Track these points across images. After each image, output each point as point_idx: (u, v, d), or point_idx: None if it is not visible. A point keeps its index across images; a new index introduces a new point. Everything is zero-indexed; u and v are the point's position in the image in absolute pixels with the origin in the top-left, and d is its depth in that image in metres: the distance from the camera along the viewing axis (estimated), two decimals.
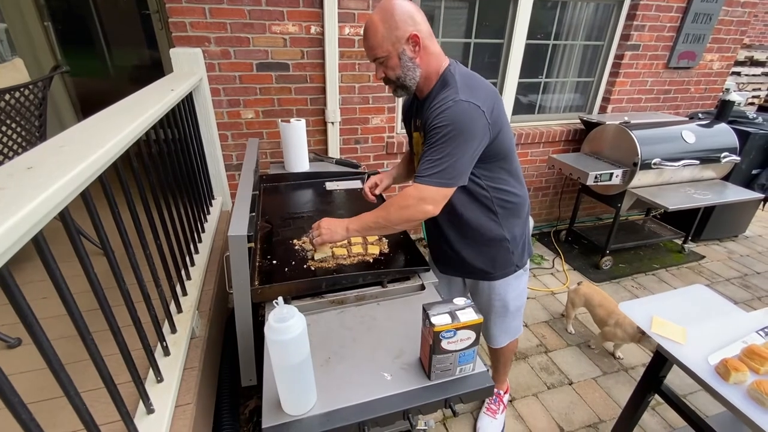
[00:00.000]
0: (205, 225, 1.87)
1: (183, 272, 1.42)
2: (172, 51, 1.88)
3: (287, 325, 0.69)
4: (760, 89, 5.56)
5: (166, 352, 1.14)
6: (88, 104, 3.37)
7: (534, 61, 2.86)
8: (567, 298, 2.25)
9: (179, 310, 1.30)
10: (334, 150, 2.50)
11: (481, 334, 1.53)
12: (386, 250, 1.32)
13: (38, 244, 0.64)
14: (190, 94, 1.84)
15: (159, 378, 1.06)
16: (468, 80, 1.10)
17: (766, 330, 1.12)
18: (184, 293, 1.38)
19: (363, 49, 2.30)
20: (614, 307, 1.99)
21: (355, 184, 1.88)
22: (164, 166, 1.35)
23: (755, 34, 6.25)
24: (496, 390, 1.74)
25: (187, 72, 1.88)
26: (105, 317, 0.85)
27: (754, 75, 5.38)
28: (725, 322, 1.15)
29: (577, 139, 3.04)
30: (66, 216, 0.72)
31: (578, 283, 2.21)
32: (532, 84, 2.97)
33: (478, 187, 1.19)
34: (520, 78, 2.83)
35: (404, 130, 2.72)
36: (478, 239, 1.28)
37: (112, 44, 4.02)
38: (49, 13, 3.25)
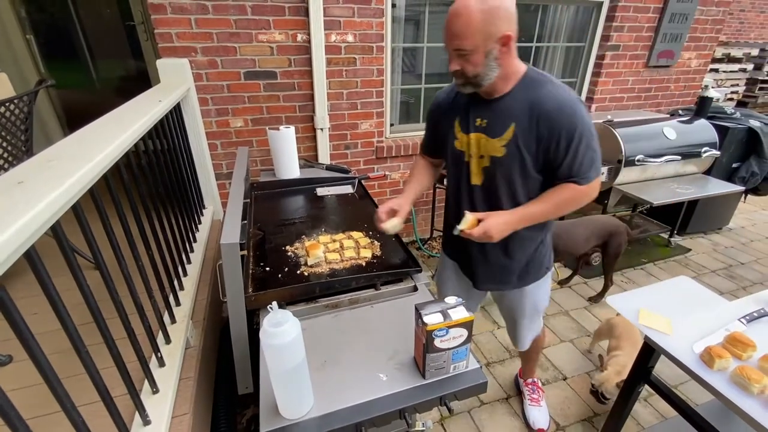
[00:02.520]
0: (197, 235, 1.86)
1: (176, 283, 1.42)
2: (158, 62, 1.88)
3: (282, 329, 0.70)
4: (738, 85, 5.72)
5: (161, 363, 1.14)
6: (74, 117, 3.35)
7: None
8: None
9: (173, 320, 1.30)
10: (324, 156, 2.52)
11: (511, 338, 1.58)
12: (378, 253, 1.33)
13: (31, 259, 0.65)
14: (178, 104, 1.85)
15: (155, 389, 1.06)
16: (556, 80, 1.10)
17: (747, 317, 1.16)
18: (178, 304, 1.38)
19: (350, 56, 2.34)
20: (626, 346, 1.74)
21: (346, 189, 1.90)
22: (154, 178, 1.35)
23: (731, 32, 6.44)
24: (530, 380, 1.80)
25: (175, 82, 1.89)
26: (99, 330, 0.85)
27: (731, 71, 5.54)
28: (709, 312, 1.19)
29: None
30: (58, 230, 0.72)
31: (616, 314, 2.00)
32: None
33: (546, 188, 1.16)
34: None
35: (398, 134, 2.79)
36: (529, 243, 1.26)
37: (97, 56, 3.98)
38: (32, 27, 3.22)
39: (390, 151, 2.67)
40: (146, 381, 1.06)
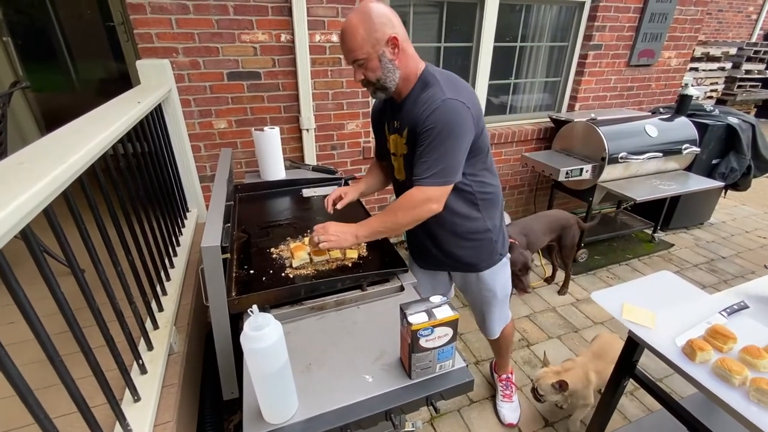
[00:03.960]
0: (180, 238, 1.83)
1: (158, 288, 1.39)
2: (138, 63, 1.85)
3: (263, 333, 0.69)
4: (717, 83, 5.85)
5: (143, 370, 1.12)
6: (52, 120, 3.26)
7: (503, 63, 2.94)
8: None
9: (155, 326, 1.28)
10: (310, 157, 2.50)
11: (480, 328, 1.62)
12: (364, 254, 1.33)
13: None
14: (159, 105, 1.81)
15: (136, 397, 1.04)
16: (449, 79, 1.15)
17: (728, 310, 1.18)
18: (160, 309, 1.35)
19: (335, 56, 2.33)
20: (587, 355, 1.69)
21: (332, 189, 1.88)
22: (134, 180, 1.32)
23: (710, 31, 6.60)
24: (504, 375, 1.82)
25: (156, 84, 1.85)
26: (75, 338, 0.82)
27: (710, 70, 5.67)
28: (690, 305, 1.20)
29: (548, 137, 3.14)
30: (28, 234, 0.70)
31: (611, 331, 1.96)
32: (503, 85, 3.05)
33: (462, 183, 1.21)
34: (490, 80, 2.90)
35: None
36: (465, 233, 1.32)
37: (77, 58, 3.89)
38: (9, 28, 3.14)
39: None
40: (127, 389, 1.03)
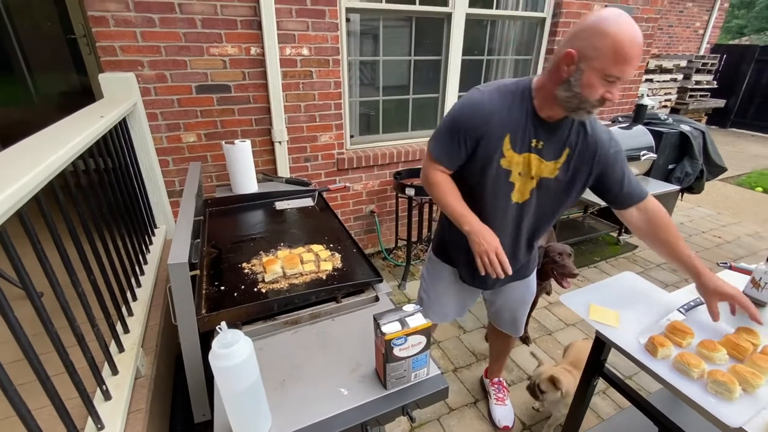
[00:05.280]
0: (148, 256, 1.77)
1: (123, 308, 1.33)
2: (101, 76, 1.79)
3: (232, 350, 0.68)
4: (670, 93, 6.24)
5: (107, 396, 1.06)
6: (8, 136, 3.10)
7: (472, 75, 3.03)
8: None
9: (120, 349, 1.22)
10: (283, 169, 2.48)
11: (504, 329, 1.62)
12: (339, 265, 1.32)
13: None
14: (124, 120, 1.76)
15: (99, 425, 0.98)
16: None
17: (685, 307, 1.24)
18: (126, 331, 1.30)
19: (306, 69, 2.34)
20: (564, 364, 1.68)
21: (306, 202, 1.87)
22: (97, 198, 1.27)
23: (662, 45, 7.04)
24: (497, 379, 1.85)
25: (120, 97, 1.80)
26: (31, 366, 0.78)
27: (664, 81, 6.04)
28: (651, 303, 1.26)
29: None
30: None
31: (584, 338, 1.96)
32: None
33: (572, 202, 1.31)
34: (459, 92, 2.97)
35: (359, 146, 2.80)
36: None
37: (35, 70, 3.74)
38: None
39: (351, 162, 2.68)
40: (90, 418, 0.98)
